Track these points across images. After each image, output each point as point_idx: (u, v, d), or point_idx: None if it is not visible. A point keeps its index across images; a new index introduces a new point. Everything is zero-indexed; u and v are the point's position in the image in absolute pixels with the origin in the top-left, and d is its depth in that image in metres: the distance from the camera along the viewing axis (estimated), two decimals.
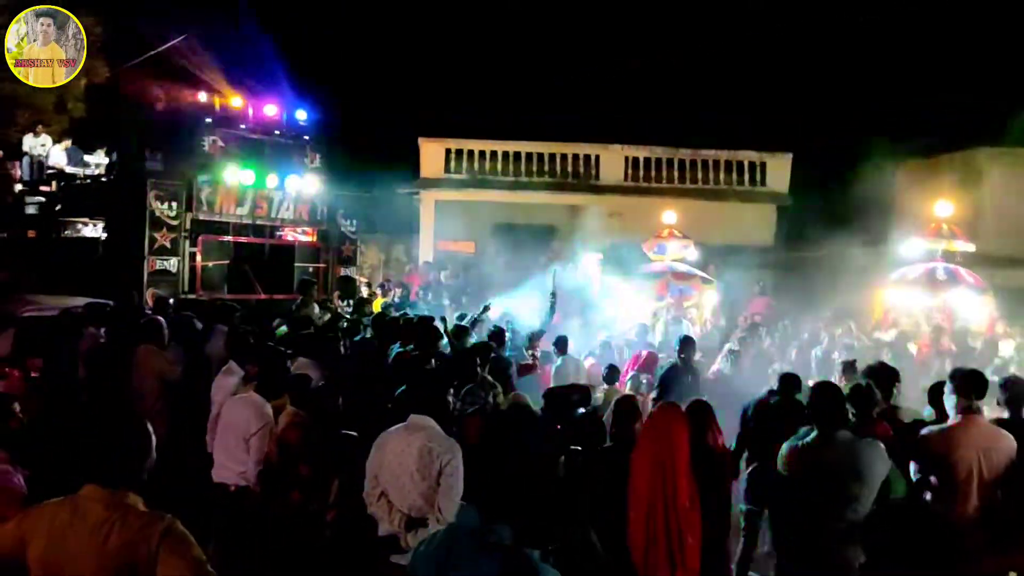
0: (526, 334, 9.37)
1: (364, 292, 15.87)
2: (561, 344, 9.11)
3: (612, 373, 8.41)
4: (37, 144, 16.03)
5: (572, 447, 4.83)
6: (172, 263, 13.14)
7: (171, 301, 10.40)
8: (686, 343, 8.16)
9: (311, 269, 15.23)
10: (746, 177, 23.94)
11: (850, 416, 4.89)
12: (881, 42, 25.23)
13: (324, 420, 5.28)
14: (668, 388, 7.48)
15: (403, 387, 6.16)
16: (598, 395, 7.67)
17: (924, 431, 5.10)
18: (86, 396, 6.45)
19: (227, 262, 14.00)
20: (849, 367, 8.10)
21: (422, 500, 4.36)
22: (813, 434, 4.71)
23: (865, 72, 24.82)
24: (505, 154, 23.75)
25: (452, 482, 4.33)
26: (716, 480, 5.33)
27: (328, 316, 10.29)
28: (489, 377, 6.50)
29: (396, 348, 7.54)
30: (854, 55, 25.28)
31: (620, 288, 15.39)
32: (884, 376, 5.95)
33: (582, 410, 5.87)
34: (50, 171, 15.23)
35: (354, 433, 5.28)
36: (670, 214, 17.07)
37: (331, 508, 5.09)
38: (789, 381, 6.39)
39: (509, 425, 4.87)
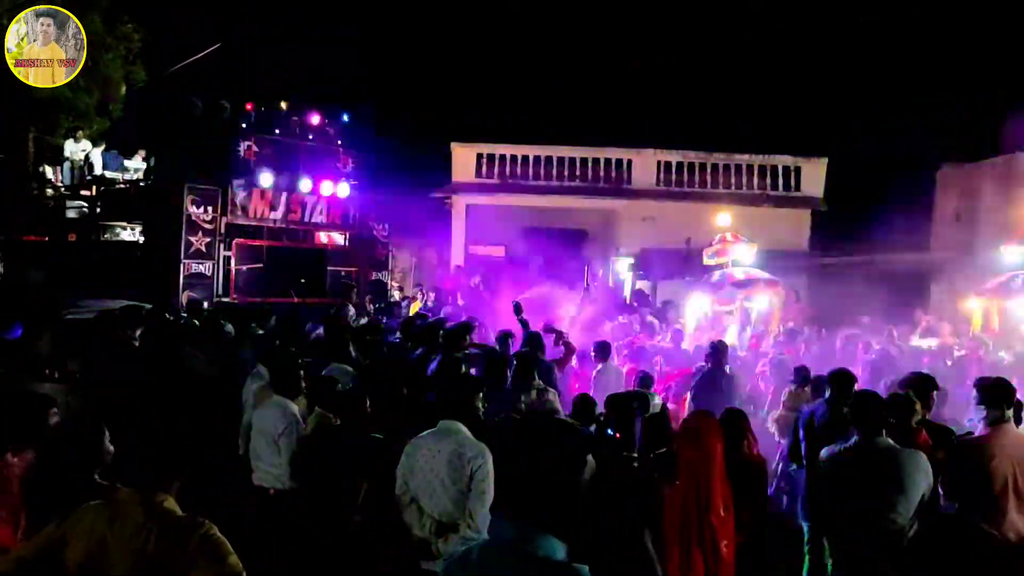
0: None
1: (396, 296, 15.99)
2: (604, 350, 8.88)
3: (645, 381, 8.34)
4: (77, 149, 16.35)
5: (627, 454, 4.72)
6: (207, 266, 13.29)
7: (205, 304, 10.54)
8: (719, 349, 8.04)
9: (344, 273, 15.32)
10: (780, 182, 23.71)
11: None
12: (918, 45, 24.87)
13: (352, 423, 5.29)
14: (701, 395, 7.40)
15: (434, 391, 6.21)
16: (656, 402, 7.61)
17: (957, 442, 5.01)
18: (123, 398, 6.52)
19: (260, 266, 14.13)
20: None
21: (453, 506, 4.34)
22: (853, 439, 4.66)
23: (902, 76, 24.46)
24: (536, 158, 23.77)
25: (483, 487, 4.32)
26: (751, 489, 5.25)
27: (364, 319, 10.35)
28: (540, 382, 6.47)
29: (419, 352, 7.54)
30: (891, 58, 24.95)
31: (673, 294, 15.11)
32: (922, 386, 5.84)
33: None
34: (90, 177, 15.50)
35: (380, 436, 5.29)
36: (724, 216, 16.51)
37: (358, 512, 5.10)
38: (842, 382, 6.25)
39: (550, 430, 4.81)
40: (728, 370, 8.07)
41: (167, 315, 8.23)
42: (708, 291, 14.20)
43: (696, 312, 14.00)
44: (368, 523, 5.04)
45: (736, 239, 15.45)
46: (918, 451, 4.63)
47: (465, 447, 4.37)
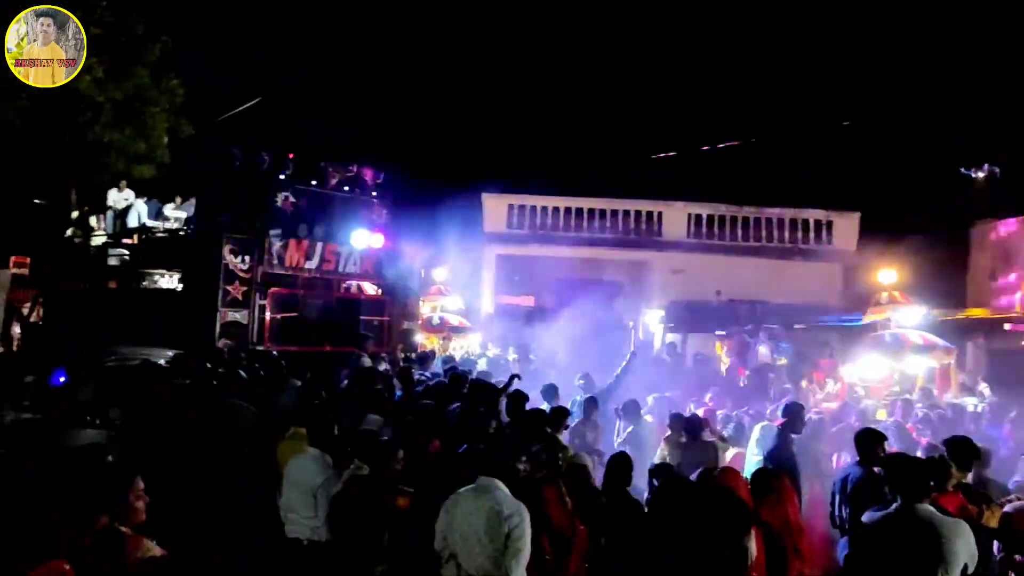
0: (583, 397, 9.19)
1: (426, 347, 16.07)
2: (632, 410, 8.77)
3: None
4: (121, 199, 16.80)
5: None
6: (243, 315, 13.45)
7: (241, 354, 10.67)
8: (795, 411, 7.76)
9: (376, 322, 15.44)
10: (812, 235, 23.66)
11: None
12: (958, 101, 24.89)
13: (383, 476, 5.33)
14: (773, 456, 7.27)
15: (464, 446, 6.23)
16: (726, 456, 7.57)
17: (1008, 508, 4.93)
18: (166, 446, 6.62)
19: (295, 315, 14.27)
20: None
21: (490, 563, 4.36)
22: (894, 506, 4.60)
23: (939, 130, 24.44)
24: (567, 209, 23.98)
25: (520, 546, 4.34)
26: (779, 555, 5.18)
27: (384, 367, 10.41)
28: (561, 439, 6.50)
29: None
30: (927, 113, 24.96)
31: (703, 347, 14.55)
32: (963, 449, 5.77)
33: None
34: (132, 226, 15.88)
35: (410, 490, 5.34)
36: (889, 273, 14.82)
37: (382, 562, 5.11)
38: (869, 442, 6.17)
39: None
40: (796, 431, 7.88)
41: (208, 364, 8.35)
42: (883, 351, 13.22)
43: (869, 371, 13.25)
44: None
45: (905, 299, 14.40)
46: (962, 522, 4.55)
47: (503, 505, 4.40)
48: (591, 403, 8.86)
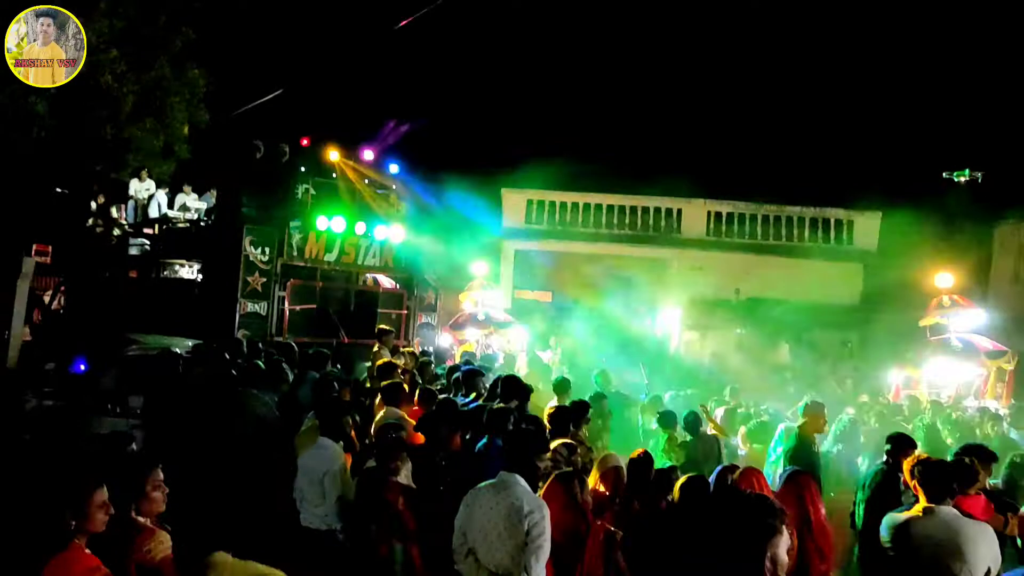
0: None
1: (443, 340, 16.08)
2: (670, 420, 8.56)
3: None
4: (142, 188, 16.91)
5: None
6: (262, 306, 13.49)
7: (259, 344, 10.71)
8: (815, 411, 7.71)
9: (394, 316, 15.46)
10: (832, 234, 23.47)
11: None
12: (980, 97, 24.61)
13: (383, 471, 5.40)
14: (791, 457, 7.23)
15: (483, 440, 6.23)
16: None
17: None
18: (186, 435, 6.64)
19: (313, 306, 14.32)
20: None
21: (509, 560, 4.34)
22: (916, 506, 4.57)
23: (961, 131, 24.16)
24: (586, 206, 23.91)
25: (540, 543, 4.31)
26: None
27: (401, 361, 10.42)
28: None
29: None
30: (951, 113, 24.69)
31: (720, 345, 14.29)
32: (984, 454, 5.73)
33: None
34: (153, 216, 15.98)
35: (412, 486, 5.49)
36: (946, 276, 14.30)
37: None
38: (901, 445, 6.10)
39: None
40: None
41: (227, 355, 8.37)
42: (953, 355, 13.17)
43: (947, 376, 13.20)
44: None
45: (966, 303, 14.11)
46: (985, 524, 4.52)
47: (523, 501, 4.37)
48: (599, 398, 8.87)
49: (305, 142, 15.48)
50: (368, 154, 15.97)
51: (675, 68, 27.19)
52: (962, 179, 20.64)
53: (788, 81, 26.58)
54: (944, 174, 20.78)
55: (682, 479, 5.53)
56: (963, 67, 25.28)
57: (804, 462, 6.71)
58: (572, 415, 6.84)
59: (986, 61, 24.76)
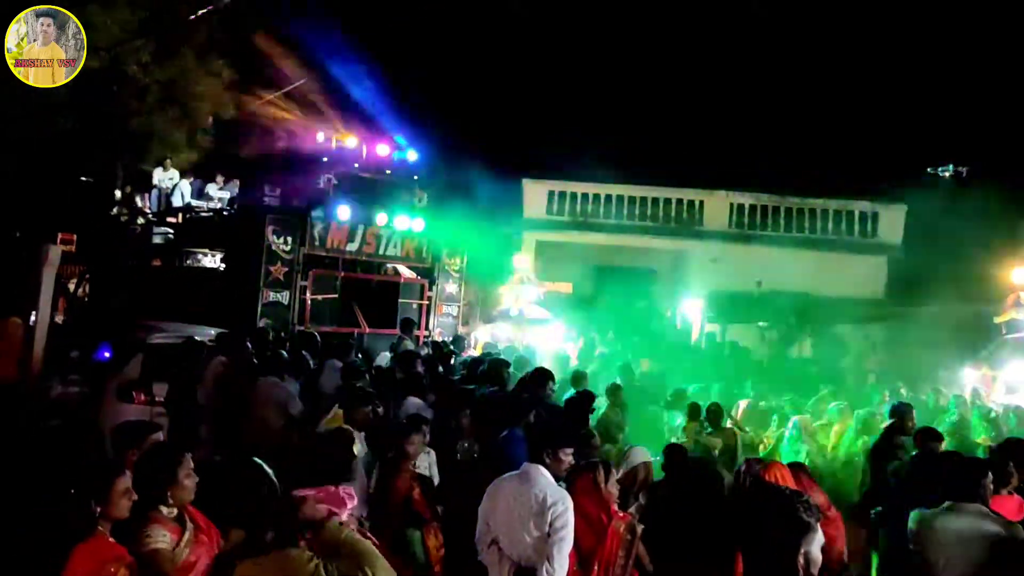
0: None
1: (461, 330, 16.09)
2: (695, 413, 8.51)
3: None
4: (166, 178, 17.02)
5: None
6: (284, 295, 13.54)
7: (282, 334, 10.75)
8: (903, 412, 7.45)
9: (415, 305, 15.48)
10: (856, 227, 23.22)
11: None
12: (1003, 93, 24.21)
13: (398, 460, 5.40)
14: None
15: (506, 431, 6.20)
16: None
17: None
18: (209, 424, 6.69)
19: (335, 296, 14.35)
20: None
21: (532, 550, 4.33)
22: (944, 504, 4.51)
23: (989, 123, 23.80)
24: (608, 196, 23.80)
25: (563, 534, 4.31)
26: None
27: (426, 351, 10.44)
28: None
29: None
30: (975, 105, 24.31)
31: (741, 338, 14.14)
32: (1019, 451, 5.61)
33: None
34: (177, 205, 16.08)
35: (427, 475, 5.53)
36: (1021, 272, 13.53)
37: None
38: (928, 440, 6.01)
39: None
40: None
41: (249, 344, 8.39)
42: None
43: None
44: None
45: None
46: (1016, 524, 4.44)
47: (547, 492, 4.36)
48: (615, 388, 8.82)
49: (324, 136, 15.51)
50: (383, 148, 15.97)
51: (698, 59, 26.97)
52: (946, 174, 20.36)
53: (812, 73, 26.29)
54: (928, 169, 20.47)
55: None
56: (990, 65, 24.89)
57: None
58: (577, 406, 6.81)
59: (1014, 57, 24.34)
